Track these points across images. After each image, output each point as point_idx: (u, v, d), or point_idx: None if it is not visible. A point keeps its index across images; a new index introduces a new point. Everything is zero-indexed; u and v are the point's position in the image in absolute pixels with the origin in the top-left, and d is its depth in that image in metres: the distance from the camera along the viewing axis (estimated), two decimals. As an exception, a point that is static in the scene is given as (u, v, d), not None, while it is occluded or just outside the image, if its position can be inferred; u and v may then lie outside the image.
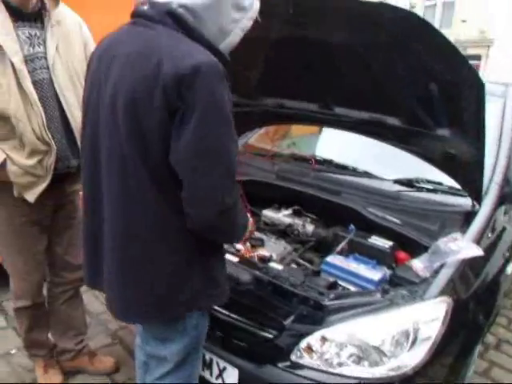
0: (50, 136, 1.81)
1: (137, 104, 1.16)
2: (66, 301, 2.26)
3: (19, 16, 1.77)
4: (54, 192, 1.93)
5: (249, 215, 1.64)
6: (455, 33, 20.85)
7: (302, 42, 2.00)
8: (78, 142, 1.89)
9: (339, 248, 1.94)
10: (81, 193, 1.50)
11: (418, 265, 1.75)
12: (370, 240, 1.95)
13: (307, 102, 2.27)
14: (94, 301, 3.00)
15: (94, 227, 1.37)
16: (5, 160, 1.77)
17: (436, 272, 1.67)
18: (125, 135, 1.19)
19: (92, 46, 2.03)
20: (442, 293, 1.60)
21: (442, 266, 1.67)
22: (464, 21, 21.04)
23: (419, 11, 22.24)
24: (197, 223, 1.22)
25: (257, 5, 1.29)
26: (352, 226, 2.01)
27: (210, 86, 1.12)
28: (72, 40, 1.93)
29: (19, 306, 2.10)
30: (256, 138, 2.92)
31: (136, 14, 1.28)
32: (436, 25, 21.49)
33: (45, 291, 2.24)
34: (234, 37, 1.26)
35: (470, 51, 20.92)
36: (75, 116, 1.87)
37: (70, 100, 1.88)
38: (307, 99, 2.27)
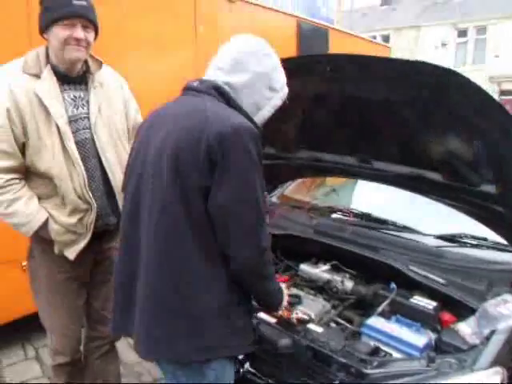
0: (90, 195, 1.86)
1: (182, 153, 1.32)
2: (101, 355, 2.25)
3: (65, 80, 1.86)
4: (92, 248, 1.96)
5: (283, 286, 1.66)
6: (489, 68, 20.69)
7: (340, 97, 2.01)
8: (118, 200, 1.92)
9: (380, 309, 1.87)
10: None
11: (466, 330, 1.65)
12: (412, 300, 1.87)
13: (345, 156, 2.26)
14: (127, 350, 2.97)
15: (130, 275, 1.46)
16: (47, 219, 1.82)
17: (486, 338, 1.57)
18: (168, 185, 1.33)
19: (133, 106, 2.10)
20: (495, 363, 1.49)
21: (492, 332, 1.58)
22: (497, 56, 20.87)
23: (451, 48, 22.25)
24: (240, 264, 1.37)
25: (286, 89, 1.54)
26: (393, 285, 1.94)
27: (246, 144, 1.31)
28: (114, 100, 2.01)
29: (58, 362, 2.09)
30: (292, 188, 2.91)
31: (186, 88, 1.51)
32: (469, 61, 21.47)
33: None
34: (266, 112, 1.50)
35: (505, 86, 20.65)
36: (115, 174, 1.92)
37: (110, 159, 1.93)
38: (345, 153, 2.25)
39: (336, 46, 5.11)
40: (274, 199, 2.75)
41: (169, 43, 3.52)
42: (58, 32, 1.75)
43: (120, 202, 1.95)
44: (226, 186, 1.30)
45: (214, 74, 1.48)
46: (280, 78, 1.52)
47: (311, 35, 4.77)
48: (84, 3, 1.79)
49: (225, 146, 1.28)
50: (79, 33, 1.77)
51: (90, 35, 1.84)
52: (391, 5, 33.38)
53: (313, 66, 1.96)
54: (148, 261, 1.39)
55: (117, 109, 2.01)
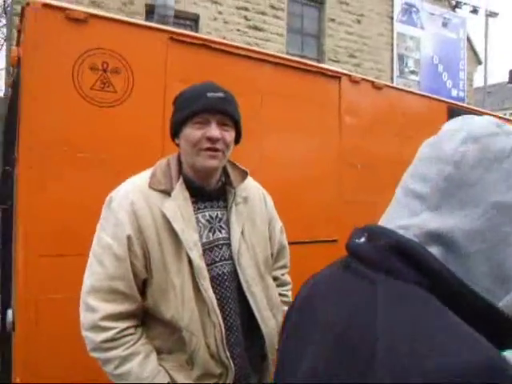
0: (227, 354, 1.38)
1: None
2: None
3: (200, 196, 1.45)
4: None
5: None
6: None
7: None
8: (268, 353, 1.48)
9: None
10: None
11: None
12: None
13: None
14: None
15: None
16: None
17: None
18: None
19: (278, 227, 1.68)
20: None
21: None
22: None
23: None
24: None
25: None
26: None
27: None
28: (257, 220, 1.56)
29: None
30: None
31: (349, 251, 0.73)
32: None
33: None
34: None
35: None
36: (266, 319, 1.46)
37: (258, 297, 1.47)
38: None
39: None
40: None
41: (312, 132, 3.20)
42: (189, 133, 1.37)
43: (270, 355, 1.49)
44: None
45: (404, 209, 0.67)
46: None
47: (463, 121, 4.21)
48: (221, 95, 1.40)
49: None
50: (213, 131, 1.36)
51: (229, 134, 1.42)
52: (519, 82, 31.68)
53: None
54: None
55: (260, 231, 1.56)
